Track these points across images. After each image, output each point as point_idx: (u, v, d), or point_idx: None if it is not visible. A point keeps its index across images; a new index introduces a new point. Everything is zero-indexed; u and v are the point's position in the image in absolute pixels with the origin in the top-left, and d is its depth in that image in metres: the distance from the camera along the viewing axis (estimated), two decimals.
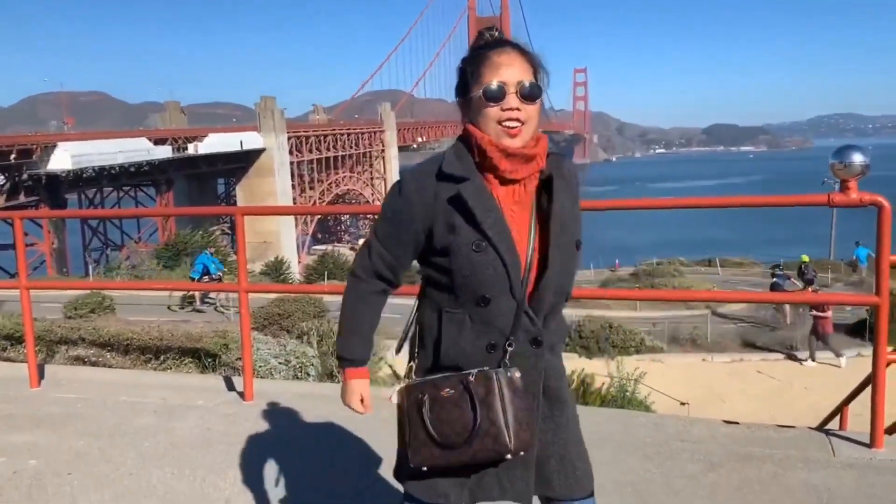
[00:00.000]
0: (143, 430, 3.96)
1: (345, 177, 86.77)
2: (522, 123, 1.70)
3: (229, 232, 57.97)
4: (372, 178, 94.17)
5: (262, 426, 3.92)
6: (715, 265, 35.15)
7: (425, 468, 1.72)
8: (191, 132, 65.27)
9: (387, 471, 3.11)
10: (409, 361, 1.83)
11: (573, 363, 8.86)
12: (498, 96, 1.69)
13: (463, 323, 1.73)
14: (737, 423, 3.89)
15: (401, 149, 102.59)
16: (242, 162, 66.63)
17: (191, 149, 61.35)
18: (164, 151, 58.58)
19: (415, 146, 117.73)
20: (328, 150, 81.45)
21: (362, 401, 1.88)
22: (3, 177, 44.42)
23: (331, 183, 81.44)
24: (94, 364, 6.03)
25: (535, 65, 1.76)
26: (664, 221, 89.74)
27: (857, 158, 3.25)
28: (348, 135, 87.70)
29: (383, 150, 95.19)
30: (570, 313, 20.35)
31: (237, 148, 64.66)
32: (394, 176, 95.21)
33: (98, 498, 3.19)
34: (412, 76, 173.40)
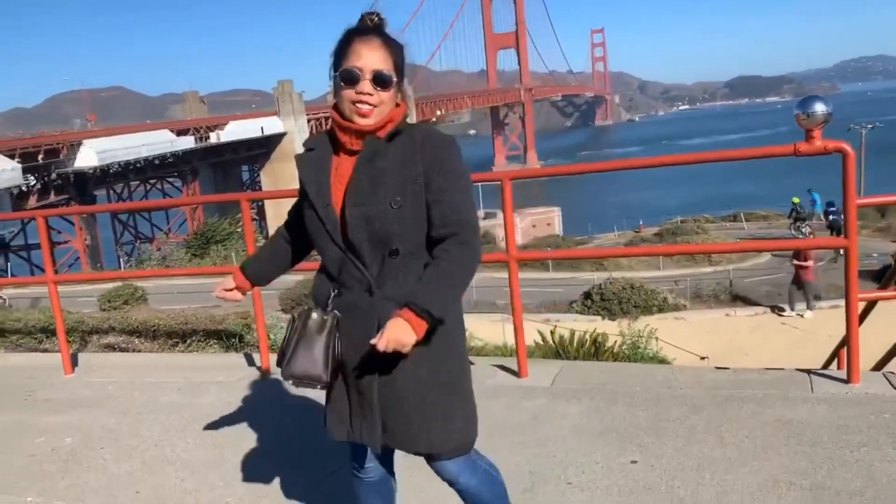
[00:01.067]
0: (168, 407, 4.26)
1: None
2: (374, 106, 1.93)
3: (256, 217, 58.73)
4: None
5: (280, 397, 4.19)
6: (740, 220, 34.89)
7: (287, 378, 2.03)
8: (212, 121, 65.90)
9: None
10: None
11: (594, 325, 9.04)
12: (353, 80, 1.91)
13: (320, 270, 2.05)
14: (726, 368, 4.08)
15: (420, 123, 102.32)
16: (264, 147, 67.14)
17: (213, 137, 61.98)
18: (187, 142, 59.23)
19: (434, 119, 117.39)
20: None
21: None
22: (33, 177, 45.29)
23: None
24: (123, 350, 6.37)
25: (396, 55, 1.97)
26: (689, 180, 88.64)
27: (819, 108, 3.39)
28: None
29: None
30: (591, 276, 20.47)
31: (258, 134, 65.16)
32: None
33: (127, 467, 3.49)
34: (427, 49, 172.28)
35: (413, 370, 1.96)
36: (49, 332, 7.09)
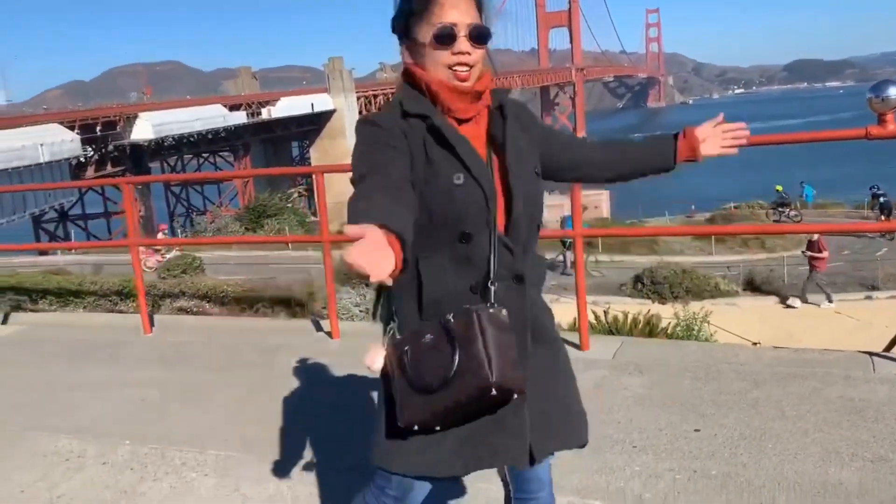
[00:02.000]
0: (248, 365, 4.51)
1: None
2: (471, 67, 1.65)
3: (306, 193, 59.55)
4: None
5: (347, 358, 4.40)
6: (796, 208, 34.17)
7: (416, 426, 1.57)
8: (263, 97, 66.78)
9: None
10: (388, 325, 1.69)
11: (645, 308, 9.11)
12: (449, 40, 1.62)
13: (443, 266, 1.64)
14: (785, 348, 4.16)
15: None
16: (315, 124, 67.84)
17: (264, 113, 62.85)
18: (240, 117, 60.17)
19: None
20: None
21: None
22: (90, 149, 46.63)
23: None
24: (195, 314, 6.69)
25: (481, 5, 1.69)
26: (743, 167, 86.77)
27: (894, 91, 3.42)
28: None
29: None
30: (642, 260, 20.42)
31: (309, 111, 65.87)
32: None
33: (213, 419, 3.74)
34: None
35: (557, 354, 1.79)
36: (123, 294, 7.46)
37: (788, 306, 15.67)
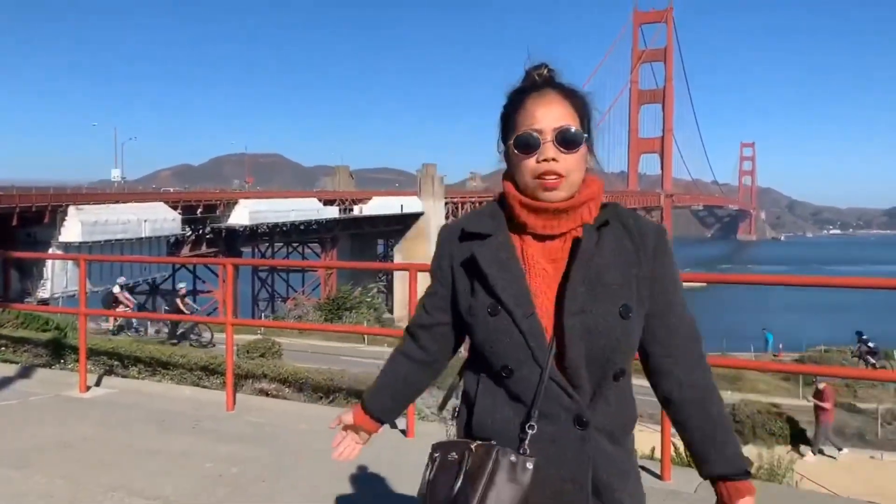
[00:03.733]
0: (321, 453, 4.55)
1: None
2: (562, 176, 1.51)
3: (384, 290, 60.54)
4: None
5: (421, 457, 4.39)
6: (892, 357, 32.39)
7: None
8: (357, 195, 69.45)
9: None
10: (450, 422, 1.70)
11: None
12: (531, 146, 1.51)
13: (496, 394, 1.55)
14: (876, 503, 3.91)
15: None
16: (401, 224, 69.76)
17: (356, 210, 65.14)
18: (332, 212, 62.47)
19: None
20: None
21: (344, 427, 1.82)
22: (189, 228, 49.12)
23: None
24: (275, 396, 6.82)
25: (581, 108, 1.57)
26: (834, 311, 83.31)
27: None
28: None
29: None
30: (725, 394, 19.53)
31: (397, 211, 67.91)
32: None
33: (288, 500, 3.77)
34: None
35: None
36: (208, 370, 7.70)
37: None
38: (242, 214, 53.25)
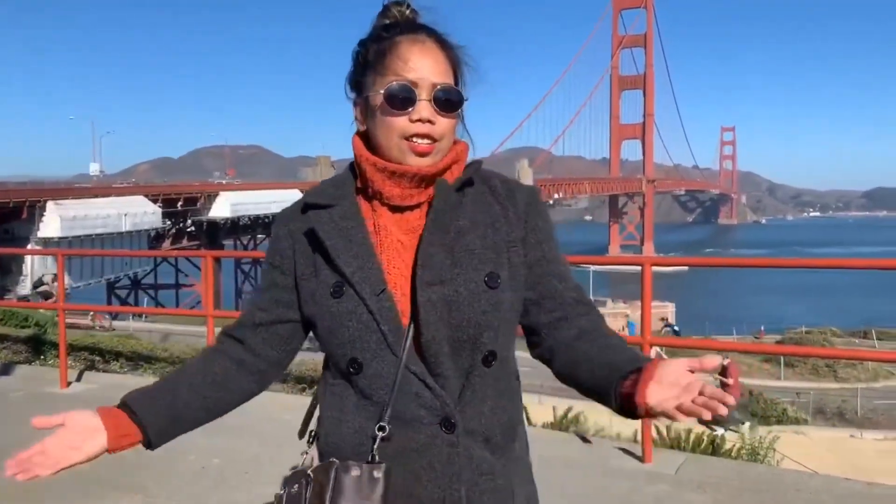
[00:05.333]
0: (304, 443, 4.56)
1: None
2: (436, 140, 1.26)
3: None
4: None
5: None
6: (871, 337, 32.90)
7: None
8: None
9: None
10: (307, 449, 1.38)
11: (706, 429, 8.80)
12: (406, 102, 1.24)
13: (345, 401, 1.27)
14: (858, 481, 3.98)
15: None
16: None
17: None
18: None
19: (551, 202, 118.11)
20: None
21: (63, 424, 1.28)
22: (170, 222, 48.81)
23: None
24: None
25: (456, 63, 1.31)
26: (815, 292, 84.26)
27: None
28: None
29: None
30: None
31: None
32: None
33: (271, 490, 3.77)
34: (552, 134, 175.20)
35: None
36: None
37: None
38: (224, 207, 52.96)
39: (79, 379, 6.49)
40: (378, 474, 1.16)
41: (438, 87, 1.25)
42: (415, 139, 1.24)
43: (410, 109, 1.23)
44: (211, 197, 52.96)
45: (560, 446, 4.53)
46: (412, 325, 1.21)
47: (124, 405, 1.29)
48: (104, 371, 7.28)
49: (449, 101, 1.25)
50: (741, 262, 5.23)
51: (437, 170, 1.27)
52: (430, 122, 1.24)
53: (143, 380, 6.90)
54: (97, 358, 7.74)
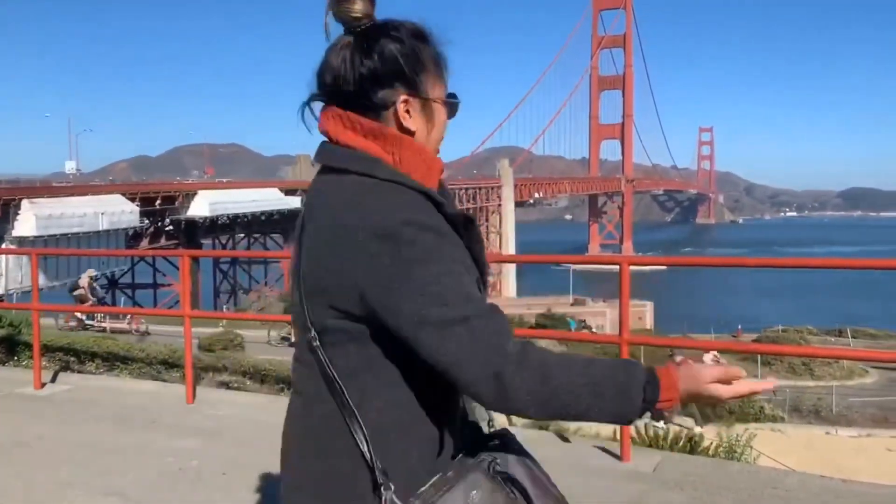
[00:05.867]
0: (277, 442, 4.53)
1: None
2: None
3: None
4: (488, 232, 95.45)
5: None
6: (846, 335, 33.34)
7: None
8: None
9: None
10: None
11: (685, 427, 8.89)
12: (454, 111, 1.38)
13: (444, 408, 1.37)
14: (832, 478, 4.03)
15: (517, 204, 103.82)
16: None
17: None
18: (295, 201, 61.92)
19: (531, 202, 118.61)
20: None
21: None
22: (148, 220, 48.34)
23: None
24: (236, 389, 6.77)
25: None
26: (794, 289, 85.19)
27: None
28: (466, 190, 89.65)
29: (500, 205, 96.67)
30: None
31: None
32: (509, 230, 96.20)
33: (248, 492, 3.75)
34: (532, 133, 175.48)
35: None
36: (168, 364, 7.59)
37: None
38: (202, 206, 52.56)
39: (53, 380, 6.40)
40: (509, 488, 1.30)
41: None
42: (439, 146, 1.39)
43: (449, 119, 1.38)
44: (189, 196, 52.56)
45: (539, 445, 4.53)
46: None
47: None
48: (79, 372, 7.18)
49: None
50: (718, 262, 5.28)
51: None
52: None
53: (119, 381, 6.83)
54: (72, 358, 7.63)
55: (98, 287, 20.39)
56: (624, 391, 1.16)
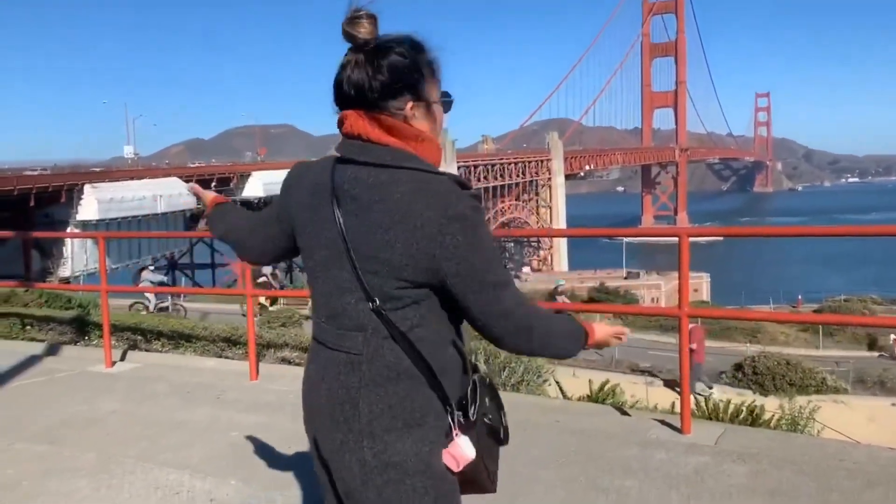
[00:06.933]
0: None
1: (511, 205, 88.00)
2: None
3: None
4: (538, 206, 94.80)
5: None
6: None
7: None
8: None
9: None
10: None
11: (746, 398, 8.71)
12: (449, 107, 1.74)
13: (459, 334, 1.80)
14: None
15: (567, 177, 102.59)
16: None
17: None
18: None
19: (581, 174, 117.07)
20: (496, 178, 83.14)
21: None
22: None
23: (497, 211, 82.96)
24: (297, 365, 6.90)
25: None
26: (852, 260, 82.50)
27: None
28: (515, 163, 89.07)
29: (550, 178, 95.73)
30: (744, 348, 19.61)
31: None
32: (560, 203, 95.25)
33: (310, 466, 3.84)
34: (582, 104, 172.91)
35: None
36: (231, 341, 7.80)
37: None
38: (256, 186, 53.41)
39: (122, 358, 6.65)
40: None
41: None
42: None
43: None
44: (244, 177, 53.45)
45: (598, 419, 4.53)
46: None
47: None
48: (146, 350, 7.43)
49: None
50: (777, 232, 5.14)
51: None
52: None
53: (184, 358, 7.05)
54: (139, 338, 7.89)
55: (280, 274, 21.37)
56: (578, 337, 1.74)
